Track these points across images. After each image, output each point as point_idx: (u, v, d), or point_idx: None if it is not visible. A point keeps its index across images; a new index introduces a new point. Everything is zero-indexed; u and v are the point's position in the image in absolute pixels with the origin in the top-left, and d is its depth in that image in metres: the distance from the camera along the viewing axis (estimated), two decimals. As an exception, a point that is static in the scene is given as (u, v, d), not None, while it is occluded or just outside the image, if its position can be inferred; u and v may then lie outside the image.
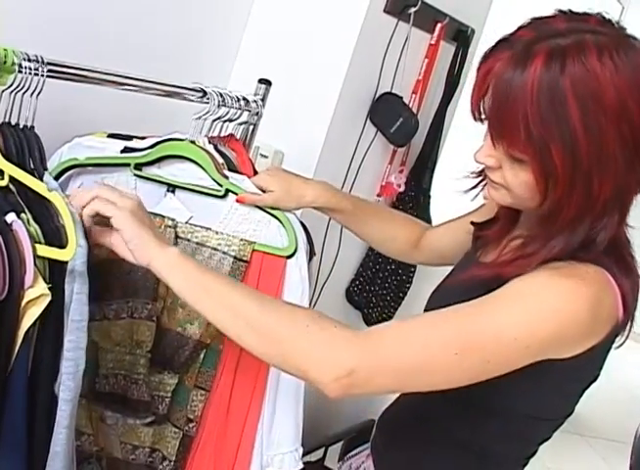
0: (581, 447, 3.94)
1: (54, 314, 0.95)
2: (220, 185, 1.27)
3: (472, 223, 1.28)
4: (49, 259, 0.95)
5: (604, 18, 1.00)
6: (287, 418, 1.28)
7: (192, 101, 1.29)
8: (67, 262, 0.95)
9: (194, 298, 1.02)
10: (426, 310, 1.24)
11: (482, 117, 1.02)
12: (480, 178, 1.15)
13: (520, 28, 1.01)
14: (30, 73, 1.01)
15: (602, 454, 3.94)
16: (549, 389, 1.07)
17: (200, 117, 1.28)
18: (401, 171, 2.24)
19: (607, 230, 1.01)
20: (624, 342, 1.10)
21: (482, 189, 1.14)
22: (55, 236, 0.96)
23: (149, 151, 1.26)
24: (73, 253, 0.94)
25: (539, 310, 0.98)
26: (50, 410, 0.98)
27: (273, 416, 1.28)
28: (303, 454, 1.30)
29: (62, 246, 0.95)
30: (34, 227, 0.94)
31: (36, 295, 0.91)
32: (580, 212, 1.00)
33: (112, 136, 1.30)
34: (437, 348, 0.97)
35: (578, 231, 1.01)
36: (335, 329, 0.98)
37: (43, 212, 0.97)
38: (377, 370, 0.97)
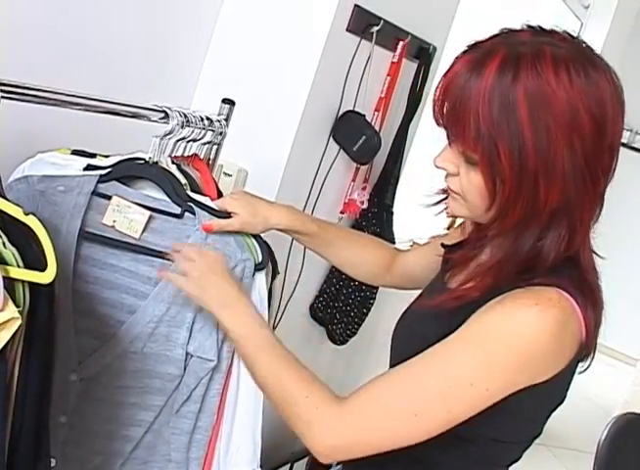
0: (546, 458, 3.96)
1: (36, 337, 0.94)
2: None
3: (442, 245, 1.28)
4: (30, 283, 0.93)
5: (570, 35, 1.03)
6: (244, 439, 1.28)
7: (155, 122, 1.29)
8: (49, 285, 0.94)
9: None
10: (393, 336, 1.25)
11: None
12: (445, 195, 1.16)
13: (491, 37, 1.04)
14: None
15: (566, 465, 3.97)
16: (516, 415, 1.07)
17: (163, 137, 1.28)
18: (364, 188, 2.25)
19: (552, 243, 1.02)
20: (588, 368, 1.10)
21: (446, 207, 1.15)
22: (36, 259, 0.94)
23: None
24: (53, 275, 0.93)
25: (495, 352, 1.00)
26: (37, 431, 0.96)
27: (230, 436, 1.28)
28: (269, 471, 1.30)
29: (42, 269, 0.93)
30: (11, 250, 0.92)
31: (5, 318, 0.88)
32: (526, 217, 1.01)
33: (75, 153, 1.29)
34: (405, 417, 1.02)
35: (524, 237, 1.02)
36: (322, 409, 1.05)
37: (21, 236, 0.95)
38: (354, 446, 1.06)
